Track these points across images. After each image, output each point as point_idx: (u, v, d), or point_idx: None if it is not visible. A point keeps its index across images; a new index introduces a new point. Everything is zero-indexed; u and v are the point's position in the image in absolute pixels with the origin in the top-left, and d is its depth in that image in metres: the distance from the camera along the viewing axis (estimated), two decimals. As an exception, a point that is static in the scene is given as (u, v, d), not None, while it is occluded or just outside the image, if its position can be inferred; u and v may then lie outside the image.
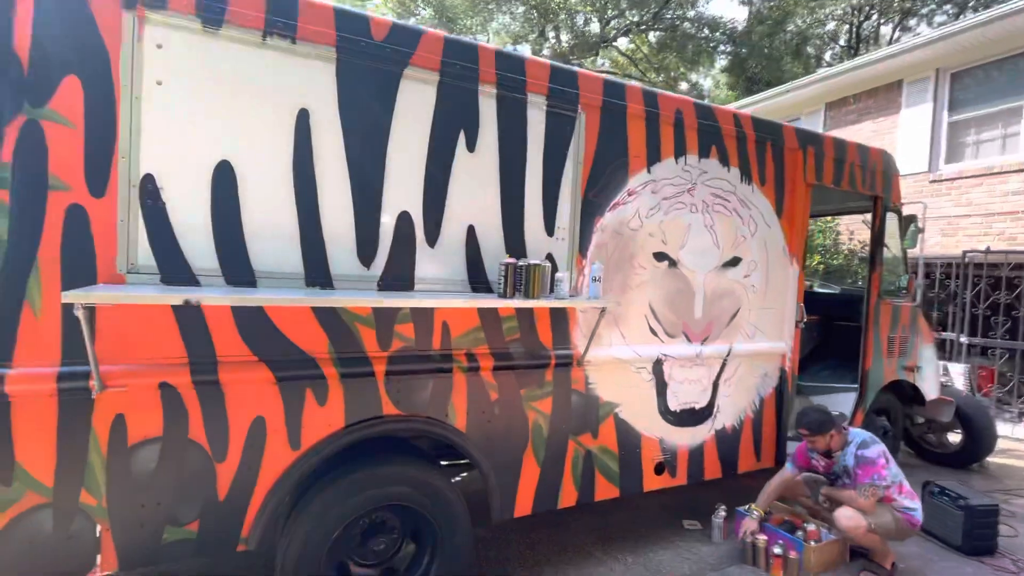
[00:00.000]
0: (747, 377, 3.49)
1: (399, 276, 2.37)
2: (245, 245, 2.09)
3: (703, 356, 3.26)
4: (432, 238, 2.43)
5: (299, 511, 2.25)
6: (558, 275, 2.49)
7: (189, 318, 1.99)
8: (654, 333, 3.09)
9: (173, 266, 1.98)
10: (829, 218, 7.91)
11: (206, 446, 2.06)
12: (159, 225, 1.96)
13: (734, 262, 3.36)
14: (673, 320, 3.15)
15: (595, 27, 20.84)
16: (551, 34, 20.08)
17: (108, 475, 1.93)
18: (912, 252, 4.46)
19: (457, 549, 2.50)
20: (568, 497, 2.87)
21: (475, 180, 2.51)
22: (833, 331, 4.95)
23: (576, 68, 2.81)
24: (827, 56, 22.91)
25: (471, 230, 2.52)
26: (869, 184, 4.03)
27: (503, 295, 2.32)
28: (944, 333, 6.90)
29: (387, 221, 2.33)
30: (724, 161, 3.28)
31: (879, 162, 4.07)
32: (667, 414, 3.17)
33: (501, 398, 2.62)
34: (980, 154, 7.24)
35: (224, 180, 2.04)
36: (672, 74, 22.25)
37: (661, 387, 3.14)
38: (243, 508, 2.13)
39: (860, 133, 8.61)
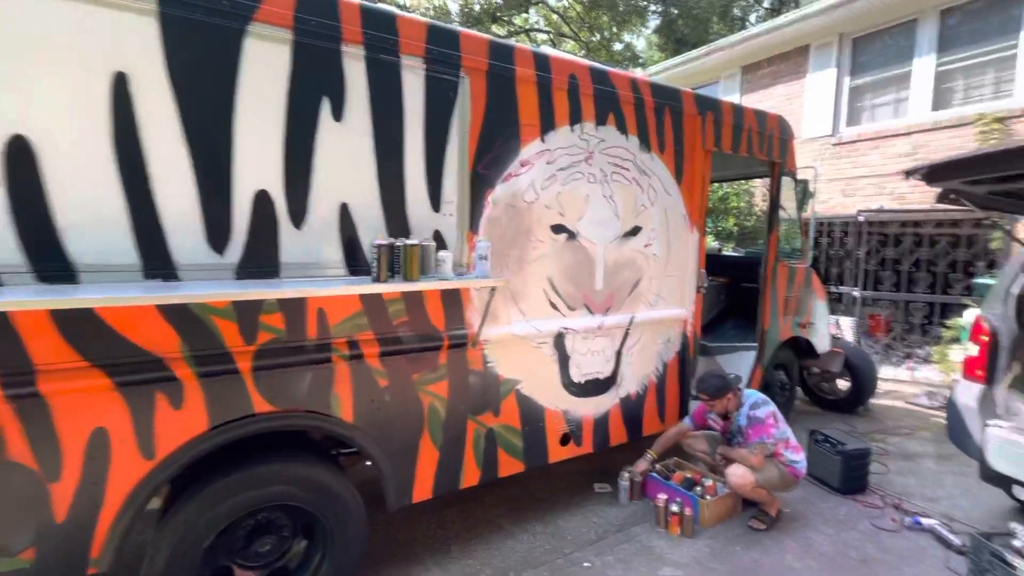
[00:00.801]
0: (650, 344, 3.56)
1: (262, 262, 2.15)
2: (57, 235, 1.79)
3: (606, 327, 3.27)
4: (298, 218, 2.21)
5: (164, 521, 2.07)
6: (440, 254, 2.35)
7: (-9, 323, 1.70)
8: (555, 307, 3.05)
9: (-40, 263, 1.67)
10: (744, 181, 8.19)
11: (33, 466, 1.81)
12: (-66, 215, 1.63)
13: (635, 232, 3.35)
14: (574, 293, 3.12)
15: (525, -18, 20.08)
16: (479, -11, 19.15)
17: (-96, 510, 1.65)
18: (805, 214, 4.66)
19: (349, 542, 2.41)
20: (471, 477, 2.83)
21: (345, 153, 2.28)
22: (739, 293, 5.16)
23: (458, 28, 2.59)
24: (752, 19, 23.46)
25: (344, 208, 2.31)
26: (767, 150, 4.12)
27: (377, 279, 2.16)
28: (841, 287, 7.45)
29: (241, 201, 2.08)
30: (622, 128, 3.21)
31: (776, 128, 4.17)
32: (571, 386, 3.18)
33: (392, 384, 2.50)
34: (876, 118, 7.67)
35: (20, 158, 1.72)
36: (606, 34, 22.04)
37: (564, 360, 3.13)
38: (90, 528, 1.92)
39: (773, 96, 8.91)
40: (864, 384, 5.19)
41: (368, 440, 2.44)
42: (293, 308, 2.20)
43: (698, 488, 3.35)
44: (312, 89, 2.18)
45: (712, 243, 8.04)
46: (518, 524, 3.25)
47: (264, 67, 2.08)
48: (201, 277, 2.04)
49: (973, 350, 3.01)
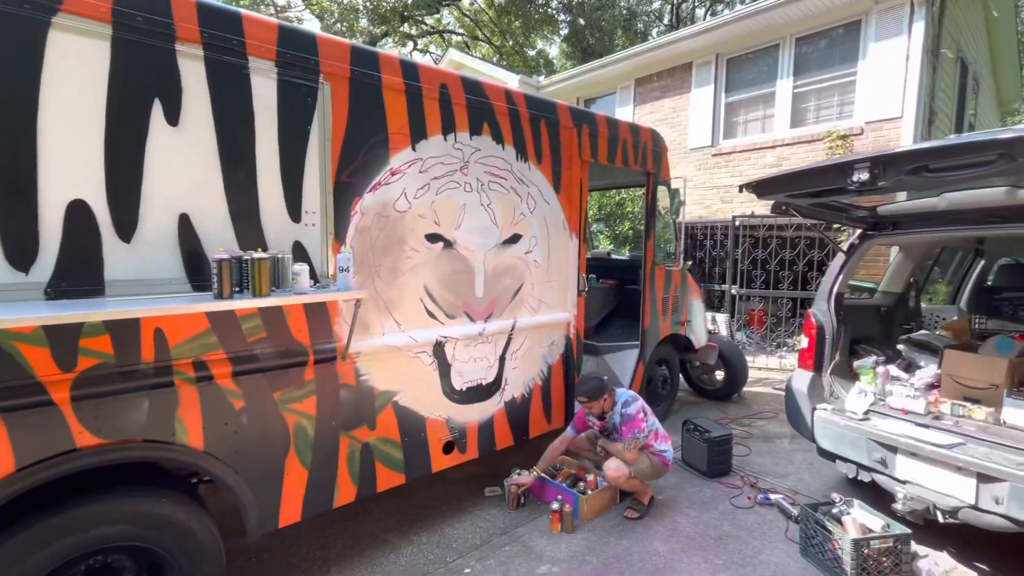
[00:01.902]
0: (534, 348, 3.67)
1: (79, 280, 1.93)
2: None
3: (487, 333, 3.32)
4: (126, 231, 2.02)
5: (-38, 580, 1.80)
6: (296, 267, 2.25)
7: None
8: (432, 316, 3.04)
9: None
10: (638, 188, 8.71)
11: None
12: None
13: (514, 239, 3.44)
14: (453, 301, 3.13)
15: (435, -17, 19.91)
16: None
17: None
18: (678, 220, 5.05)
19: (203, 578, 2.24)
20: (346, 494, 2.75)
21: (184, 160, 2.12)
22: (625, 294, 5.48)
23: (316, 32, 2.51)
24: (654, 33, 25.06)
25: (185, 219, 2.15)
26: (641, 160, 4.41)
27: (219, 295, 2.02)
28: (723, 286, 8.16)
29: (50, 213, 1.86)
30: (498, 139, 3.28)
31: (649, 140, 4.48)
32: (453, 394, 3.19)
33: (249, 406, 2.36)
34: (748, 131, 8.50)
35: None
36: (519, 40, 22.44)
37: (444, 369, 3.13)
38: None
39: (662, 108, 9.56)
40: (736, 374, 5.72)
41: (221, 467, 2.29)
42: (123, 329, 2.01)
43: (580, 484, 3.51)
44: (139, 90, 2.00)
45: (608, 246, 8.47)
46: (404, 536, 3.20)
47: (75, 64, 1.87)
48: (0, 299, 1.79)
49: (804, 342, 3.43)
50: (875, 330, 3.98)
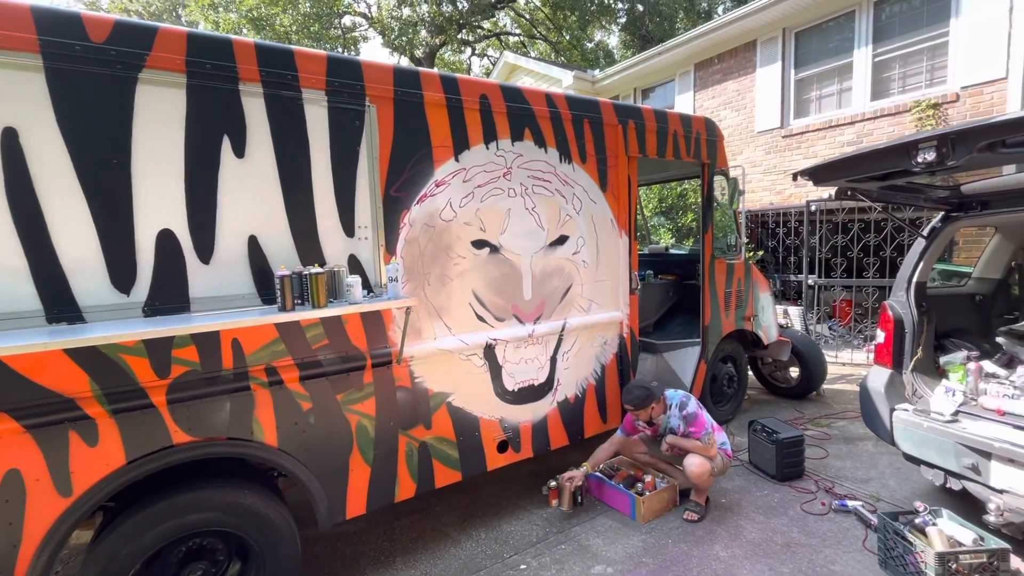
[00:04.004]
0: (586, 348, 3.67)
1: (169, 299, 2.22)
2: (-45, 288, 1.86)
3: (537, 335, 3.38)
4: (206, 254, 2.29)
5: (89, 553, 2.14)
6: (349, 279, 2.44)
7: None
8: (481, 319, 3.15)
9: None
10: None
11: (-55, 511, 1.87)
12: None
13: (561, 241, 3.47)
14: (501, 304, 3.22)
15: (489, -12, 20.18)
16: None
17: None
18: (738, 210, 4.81)
19: (280, 563, 2.49)
20: (406, 490, 2.92)
21: (250, 188, 2.37)
22: (685, 290, 5.30)
23: (360, 58, 2.68)
24: (719, 11, 23.77)
25: (254, 240, 2.40)
26: (694, 151, 4.26)
27: (283, 308, 2.24)
28: (797, 276, 7.63)
29: (144, 242, 2.16)
30: (540, 142, 3.32)
31: (703, 129, 4.31)
32: (505, 395, 3.28)
33: (315, 407, 2.58)
34: (822, 108, 7.87)
35: (-90, 217, 1.78)
36: (575, 34, 22.21)
37: (495, 370, 3.23)
38: (8, 566, 1.98)
39: (725, 92, 9.09)
40: (813, 370, 5.35)
41: (293, 462, 2.52)
42: (206, 341, 2.28)
43: (638, 484, 3.47)
44: (210, 128, 2.26)
45: (669, 240, 8.20)
46: (464, 531, 3.34)
47: (159, 111, 2.15)
48: (108, 317, 2.11)
49: (880, 336, 3.16)
50: (968, 321, 3.57)
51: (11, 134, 1.91)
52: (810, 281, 7.21)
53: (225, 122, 2.30)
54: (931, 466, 2.82)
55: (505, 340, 3.23)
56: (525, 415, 3.39)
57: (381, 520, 3.47)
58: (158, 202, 2.17)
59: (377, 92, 2.68)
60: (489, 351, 3.18)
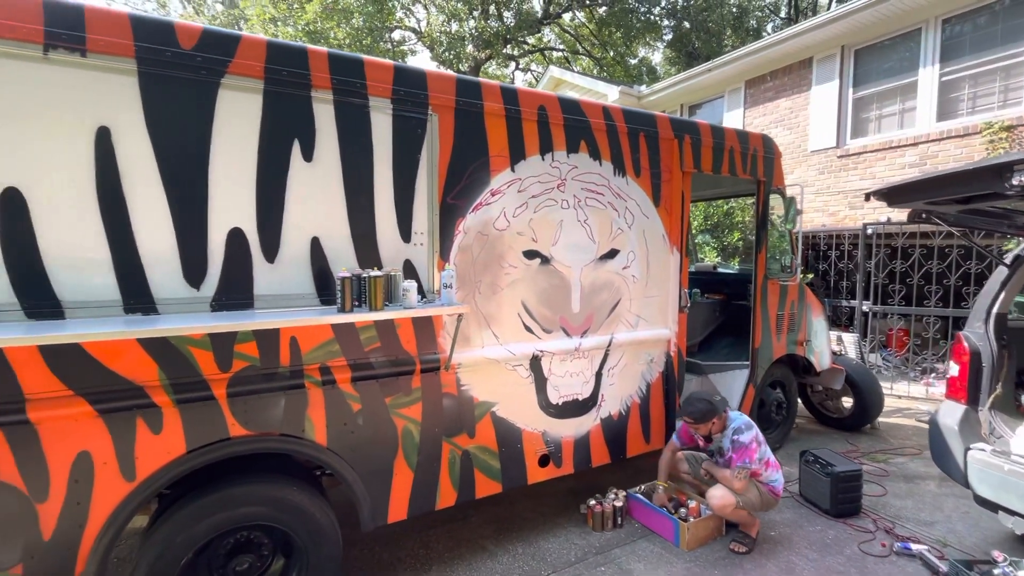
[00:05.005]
0: (632, 365, 3.59)
1: (235, 295, 2.30)
2: (46, 275, 1.97)
3: (583, 349, 3.32)
4: (271, 253, 2.36)
5: (145, 538, 2.21)
6: (405, 284, 2.46)
7: (-15, 357, 1.88)
8: (529, 330, 3.12)
9: (-41, 304, 1.86)
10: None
11: (22, 487, 1.97)
12: (-64, 261, 1.82)
13: (611, 254, 3.42)
14: (549, 316, 3.19)
15: (536, 4, 20.50)
16: (492, 10, 19.59)
17: (-95, 528, 1.82)
18: (794, 230, 4.63)
19: (323, 561, 2.50)
20: (447, 498, 2.90)
21: (315, 191, 2.43)
22: (733, 310, 5.14)
23: (425, 68, 2.74)
24: (769, 28, 23.35)
25: (316, 242, 2.46)
26: (751, 168, 4.15)
27: (342, 309, 2.28)
28: (852, 302, 7.30)
29: (216, 239, 2.24)
30: (595, 155, 3.30)
31: (760, 146, 4.19)
32: (548, 408, 3.23)
33: (364, 408, 2.61)
34: (882, 128, 7.56)
35: (12, 208, 1.90)
36: (620, 50, 22.24)
37: (540, 382, 3.19)
38: (74, 545, 2.06)
39: (777, 110, 8.87)
40: (868, 401, 5.07)
41: (340, 462, 2.55)
42: (266, 337, 2.34)
43: (682, 510, 3.34)
44: (284, 133, 2.35)
45: (715, 259, 7.99)
46: (501, 545, 3.29)
47: (237, 115, 2.25)
48: (179, 310, 2.19)
49: (954, 369, 2.95)
50: (1054, 358, 3.30)
51: (104, 133, 2.03)
52: (864, 307, 6.87)
53: (296, 127, 2.38)
54: (1011, 513, 2.60)
55: (552, 352, 3.20)
56: (568, 430, 3.33)
57: (416, 527, 3.46)
58: (231, 202, 2.26)
59: (439, 101, 2.72)
60: (535, 362, 3.15)
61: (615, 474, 4.04)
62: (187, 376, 2.20)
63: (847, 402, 5.33)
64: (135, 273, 2.11)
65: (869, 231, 6.90)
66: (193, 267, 2.21)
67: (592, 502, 3.47)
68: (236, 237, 2.28)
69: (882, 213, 7.16)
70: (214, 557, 2.39)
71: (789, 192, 4.46)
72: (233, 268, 2.28)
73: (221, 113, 2.22)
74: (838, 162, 7.93)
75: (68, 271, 2.00)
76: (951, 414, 2.91)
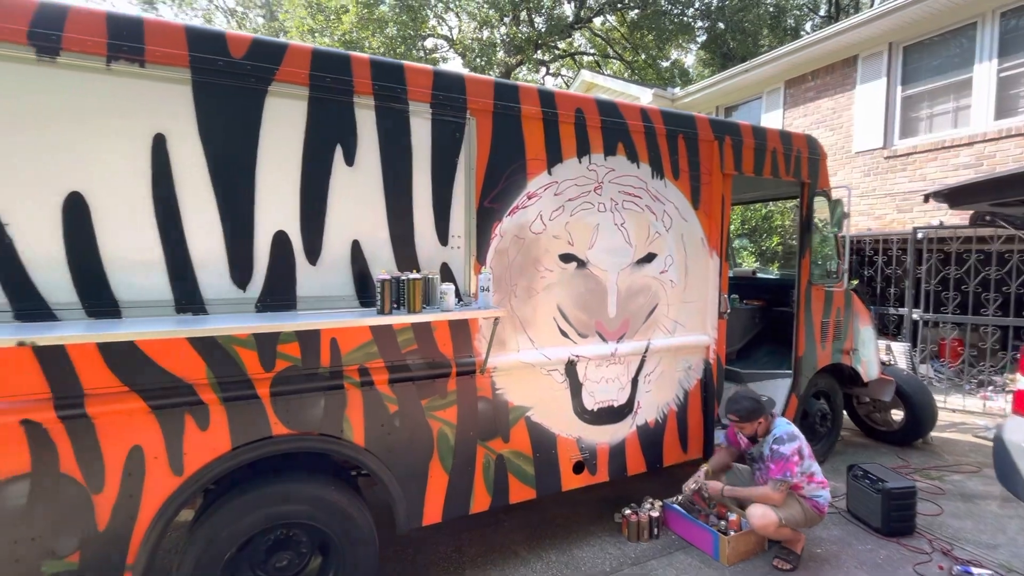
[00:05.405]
0: (669, 371, 3.50)
1: (279, 296, 2.35)
2: (105, 276, 2.06)
3: (619, 354, 3.27)
4: (313, 256, 2.41)
5: (191, 532, 2.27)
6: (443, 286, 2.47)
7: (50, 353, 1.97)
8: (565, 335, 3.09)
9: (26, 302, 1.96)
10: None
11: (80, 479, 2.05)
12: (7, 262, 1.92)
13: (649, 258, 3.35)
14: (585, 320, 3.15)
15: (568, 9, 20.49)
16: (524, 16, 19.69)
17: (-24, 513, 1.93)
18: (841, 234, 4.45)
19: (360, 561, 2.52)
20: (481, 502, 2.89)
21: (356, 194, 2.47)
22: (774, 317, 4.97)
23: (464, 72, 2.76)
24: (807, 27, 22.68)
25: (356, 245, 2.50)
26: (794, 170, 4.01)
27: (381, 311, 2.31)
28: (900, 309, 6.96)
29: (262, 242, 2.30)
30: (633, 157, 3.25)
31: (804, 147, 4.05)
32: (584, 414, 3.19)
33: (401, 410, 2.63)
34: (933, 128, 7.21)
35: (76, 212, 2.00)
36: (652, 52, 22.00)
37: (575, 387, 3.15)
38: (126, 536, 2.14)
39: (819, 110, 8.58)
40: (920, 414, 4.81)
41: (377, 463, 2.57)
42: (308, 338, 2.39)
43: (722, 523, 3.24)
44: (327, 138, 2.40)
45: (752, 263, 7.76)
46: (533, 551, 3.25)
47: (283, 121, 2.31)
48: (226, 311, 2.26)
49: (1021, 382, 2.76)
50: None
51: (160, 140, 2.11)
52: (915, 315, 6.54)
53: (339, 132, 2.42)
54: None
55: (587, 357, 3.15)
56: (603, 437, 3.27)
57: (449, 531, 3.46)
58: (276, 205, 2.32)
59: (477, 105, 2.73)
60: (570, 368, 3.11)
61: (650, 484, 3.94)
62: (233, 375, 2.26)
63: (896, 415, 5.07)
64: (186, 274, 2.18)
65: (919, 235, 6.57)
66: (240, 269, 2.27)
67: (627, 511, 3.39)
68: (281, 240, 2.34)
69: (934, 216, 6.82)
70: (255, 553, 2.44)
71: (835, 194, 4.29)
72: (277, 270, 2.34)
73: (268, 119, 2.28)
74: (885, 163, 7.59)
75: (125, 272, 2.08)
76: (1019, 430, 2.71)
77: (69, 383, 2.01)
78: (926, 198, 2.58)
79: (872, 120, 7.74)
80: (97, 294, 2.05)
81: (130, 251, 2.09)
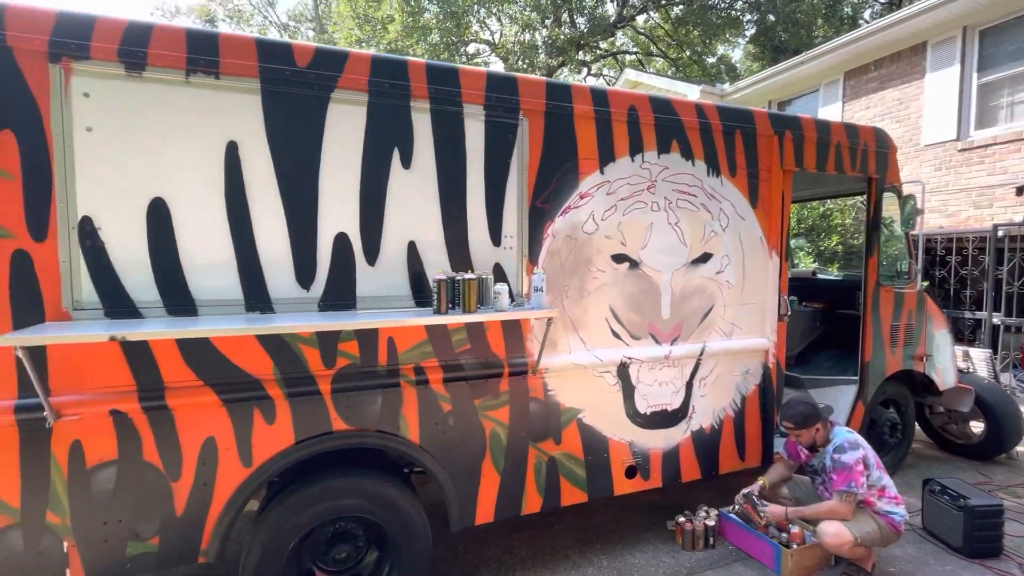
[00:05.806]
0: (726, 376, 3.38)
1: (340, 296, 2.43)
2: (184, 276, 2.19)
3: (673, 357, 3.18)
4: (372, 257, 2.47)
5: (258, 522, 2.38)
6: (497, 287, 2.48)
7: (135, 349, 2.12)
8: (617, 336, 3.04)
9: (116, 301, 2.10)
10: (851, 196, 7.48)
11: (160, 466, 2.19)
12: (99, 264, 2.08)
13: (704, 258, 3.25)
14: (638, 322, 3.09)
15: (610, 8, 20.27)
16: (565, 17, 19.62)
17: (70, 496, 2.08)
18: (913, 232, 4.17)
19: (415, 557, 2.57)
20: (532, 503, 2.88)
21: (412, 196, 2.52)
22: (836, 320, 4.71)
23: (516, 74, 2.77)
24: (866, 15, 21.46)
25: (412, 246, 2.55)
26: (860, 164, 3.79)
27: (437, 311, 2.34)
28: (978, 313, 6.45)
29: (324, 243, 2.39)
30: (687, 155, 3.17)
31: (871, 140, 3.83)
32: (636, 417, 3.12)
33: (455, 409, 2.66)
34: (1015, 117, 6.65)
35: (159, 217, 2.14)
36: (697, 48, 21.43)
37: (628, 390, 3.09)
38: (201, 522, 2.26)
39: (883, 102, 8.10)
40: (1004, 427, 4.43)
41: (431, 460, 2.61)
42: (366, 337, 2.45)
43: (783, 535, 3.09)
44: (385, 142, 2.46)
45: (811, 264, 7.40)
46: (584, 555, 3.21)
47: (344, 126, 2.39)
48: (291, 310, 2.35)
49: None
50: None
51: (233, 147, 2.23)
52: (995, 320, 6.05)
53: (396, 135, 2.48)
54: None
55: (640, 360, 3.09)
56: (656, 441, 3.19)
57: (499, 532, 3.46)
58: (338, 208, 2.40)
59: (530, 106, 2.73)
60: (623, 370, 3.06)
61: (703, 492, 3.82)
62: (297, 372, 2.35)
63: (976, 427, 4.70)
64: (255, 275, 2.29)
65: (1000, 233, 6.07)
66: (304, 270, 2.37)
67: (681, 519, 3.30)
68: (341, 241, 2.42)
69: (1016, 212, 6.29)
70: (316, 544, 2.52)
71: (906, 190, 4.03)
72: (338, 271, 2.42)
73: (330, 125, 2.36)
74: (959, 156, 7.07)
75: (201, 273, 2.21)
76: None
77: (152, 377, 2.15)
78: (1019, 190, 2.37)
79: (944, 110, 7.23)
80: (177, 293, 2.18)
81: (206, 253, 2.21)
